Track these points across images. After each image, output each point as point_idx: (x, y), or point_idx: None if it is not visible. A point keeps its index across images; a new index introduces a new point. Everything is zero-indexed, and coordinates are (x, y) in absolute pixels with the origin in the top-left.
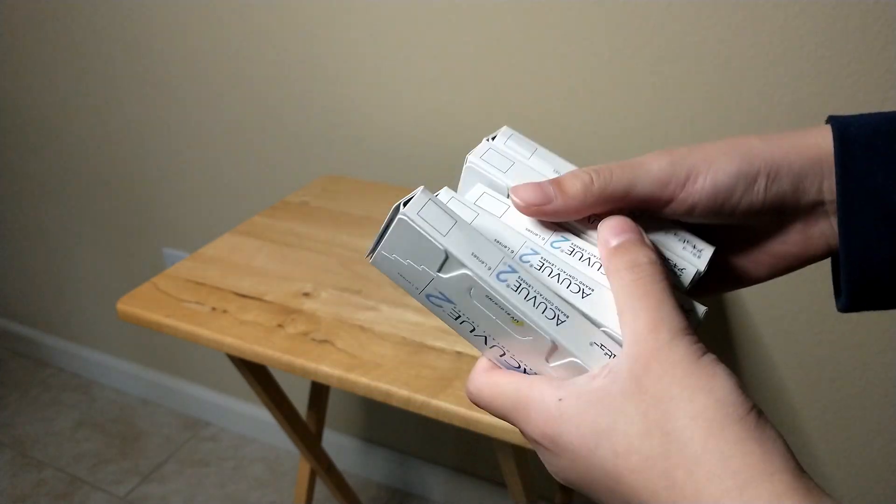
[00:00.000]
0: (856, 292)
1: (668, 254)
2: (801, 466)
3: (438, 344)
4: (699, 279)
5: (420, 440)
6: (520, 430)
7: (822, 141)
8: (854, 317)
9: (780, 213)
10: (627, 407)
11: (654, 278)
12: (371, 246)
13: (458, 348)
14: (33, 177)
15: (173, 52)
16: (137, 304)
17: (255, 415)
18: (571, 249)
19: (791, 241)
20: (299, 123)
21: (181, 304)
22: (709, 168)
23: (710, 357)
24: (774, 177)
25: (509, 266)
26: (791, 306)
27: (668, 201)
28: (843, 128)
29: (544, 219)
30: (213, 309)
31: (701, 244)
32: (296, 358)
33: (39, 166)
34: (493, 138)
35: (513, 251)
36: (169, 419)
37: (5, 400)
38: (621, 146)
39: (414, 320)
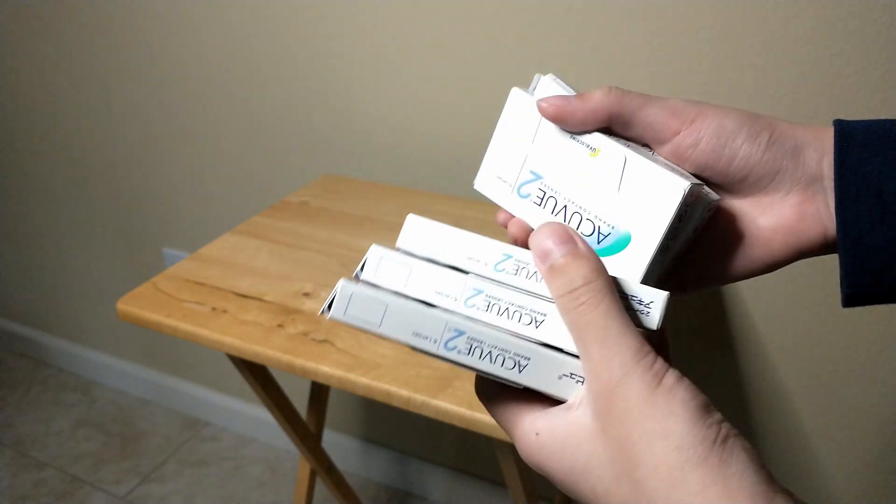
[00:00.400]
0: (852, 277)
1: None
2: (771, 487)
3: None
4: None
5: (420, 440)
6: None
7: (824, 130)
8: (854, 317)
9: (777, 174)
10: (596, 449)
11: (594, 300)
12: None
13: None
14: (33, 177)
15: (174, 53)
16: (137, 304)
17: (255, 415)
18: (516, 268)
19: (786, 214)
20: (299, 123)
21: (181, 304)
22: (716, 113)
23: (666, 383)
24: (777, 138)
25: (455, 330)
26: (791, 306)
27: (675, 132)
28: (843, 124)
29: (562, 121)
30: (213, 309)
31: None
32: (296, 358)
33: (40, 166)
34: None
35: (456, 299)
36: (169, 419)
37: (5, 400)
38: None
39: None
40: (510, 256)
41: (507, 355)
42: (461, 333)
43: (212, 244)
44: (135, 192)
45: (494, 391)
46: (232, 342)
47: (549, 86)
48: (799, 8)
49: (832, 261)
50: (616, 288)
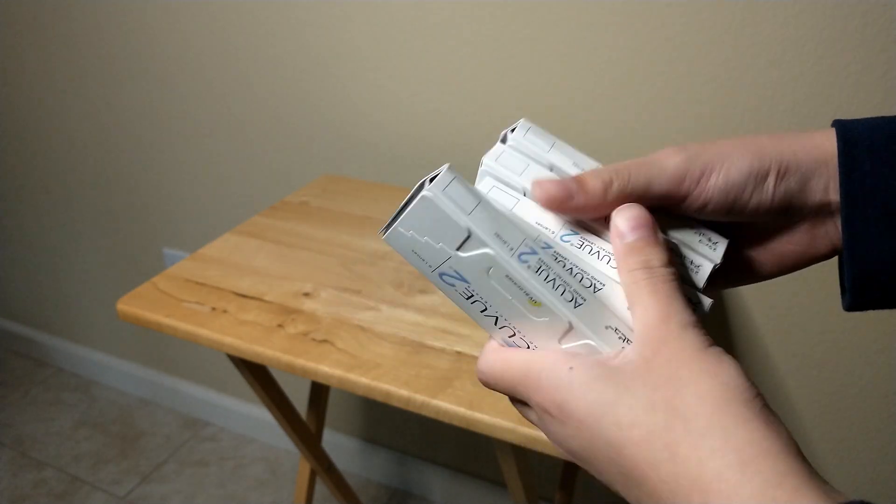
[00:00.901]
0: (859, 290)
1: (684, 249)
2: (802, 453)
3: (438, 344)
4: (714, 271)
5: (420, 440)
6: (527, 400)
7: (827, 142)
8: (854, 316)
9: (787, 211)
10: (635, 383)
11: (665, 279)
12: (387, 222)
13: (458, 348)
14: (33, 177)
15: (173, 52)
16: (137, 304)
17: (255, 415)
18: (581, 244)
19: (797, 240)
20: (299, 123)
21: (181, 304)
22: (722, 165)
23: (717, 348)
24: (783, 175)
25: (530, 248)
26: (791, 306)
27: (683, 198)
28: (846, 130)
29: (564, 214)
30: (213, 309)
31: (716, 237)
32: (296, 358)
33: (39, 166)
34: (512, 131)
35: (553, 231)
36: (169, 419)
37: (5, 400)
38: (622, 146)
39: (414, 320)
40: (576, 233)
41: (568, 288)
42: (535, 252)
43: (212, 244)
44: (135, 192)
45: (506, 356)
46: (232, 342)
47: (522, 144)
48: (799, 8)
49: (833, 260)
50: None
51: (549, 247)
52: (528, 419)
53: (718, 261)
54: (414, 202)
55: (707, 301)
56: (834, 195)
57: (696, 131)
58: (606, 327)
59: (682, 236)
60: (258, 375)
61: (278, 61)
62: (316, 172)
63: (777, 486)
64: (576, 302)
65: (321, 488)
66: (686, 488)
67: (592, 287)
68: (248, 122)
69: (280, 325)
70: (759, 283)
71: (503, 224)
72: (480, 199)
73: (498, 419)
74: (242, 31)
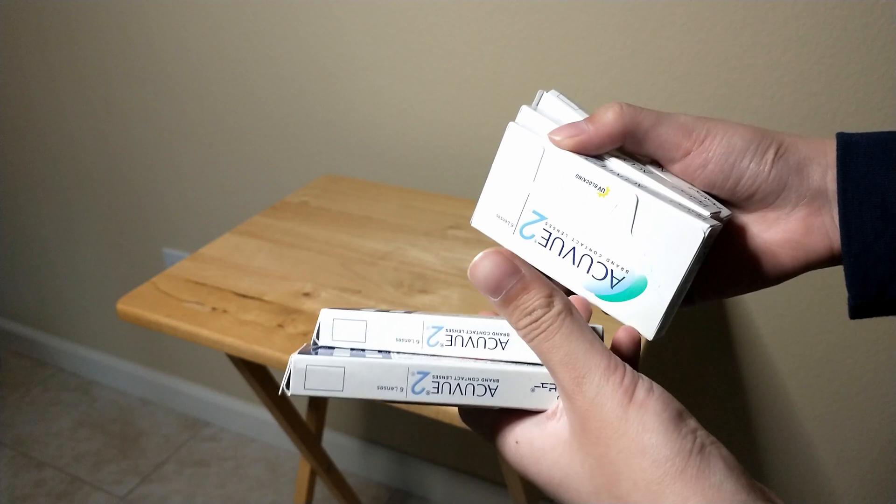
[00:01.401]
0: (858, 290)
1: (691, 191)
2: (751, 496)
3: None
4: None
5: (420, 440)
6: None
7: (828, 141)
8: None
9: (783, 190)
10: (574, 464)
11: (554, 326)
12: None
13: None
14: (33, 177)
15: (173, 52)
16: (137, 304)
17: (255, 415)
18: (450, 338)
19: (792, 228)
20: (299, 123)
21: (181, 304)
22: (726, 131)
23: (637, 398)
24: (783, 153)
25: (419, 373)
26: (791, 306)
27: (686, 152)
28: (846, 136)
29: (581, 150)
30: (213, 309)
31: (721, 205)
32: None
33: (40, 166)
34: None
35: (418, 340)
36: (169, 419)
37: (5, 400)
38: None
39: None
40: (440, 328)
41: (475, 383)
42: (425, 374)
43: (212, 244)
44: (135, 192)
45: (477, 414)
46: (232, 342)
47: (554, 104)
48: (799, 8)
49: (834, 270)
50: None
51: (439, 342)
52: None
53: (727, 211)
54: (504, 146)
55: (725, 211)
56: (832, 183)
57: None
58: (533, 389)
59: (687, 188)
60: (258, 375)
61: (278, 61)
62: (316, 172)
63: None
64: (490, 391)
65: (321, 488)
66: None
67: (499, 346)
68: (249, 122)
69: (280, 325)
70: None
71: (378, 374)
72: (344, 369)
73: None
74: (242, 31)
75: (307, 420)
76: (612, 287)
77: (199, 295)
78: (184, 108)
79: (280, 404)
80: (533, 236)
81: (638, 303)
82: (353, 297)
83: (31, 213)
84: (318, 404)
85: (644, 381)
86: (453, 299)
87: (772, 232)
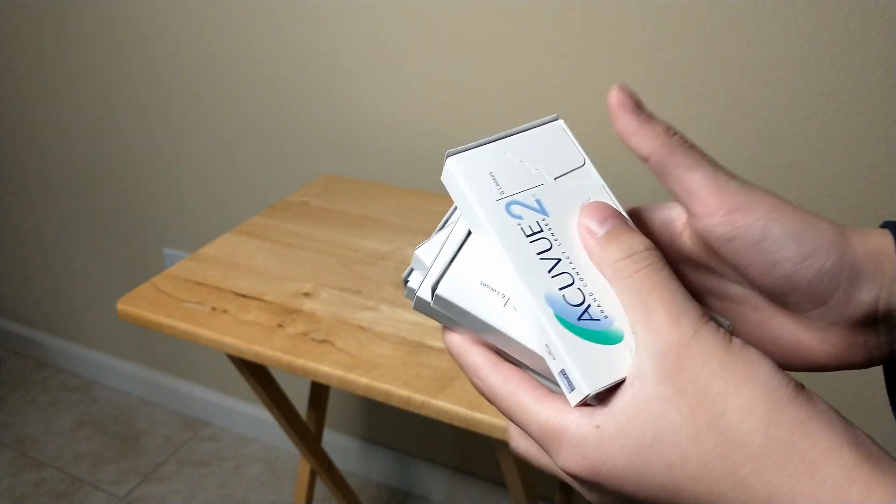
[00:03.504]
0: None
1: None
2: (858, 432)
3: (438, 344)
4: None
5: (420, 440)
6: (553, 460)
7: (884, 244)
8: None
9: (824, 306)
10: (669, 413)
11: (657, 266)
12: (462, 147)
13: None
14: (33, 177)
15: (173, 52)
16: (137, 304)
17: (255, 415)
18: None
19: (830, 341)
20: (300, 123)
21: (181, 305)
22: (764, 210)
23: (738, 342)
24: (833, 266)
25: None
26: None
27: (708, 213)
28: None
29: (621, 127)
30: (213, 309)
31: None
32: (296, 358)
33: (40, 166)
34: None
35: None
36: (169, 419)
37: (5, 400)
38: (624, 149)
39: (414, 320)
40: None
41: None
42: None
43: (212, 244)
44: (135, 192)
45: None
46: (232, 342)
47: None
48: (798, 8)
49: None
50: None
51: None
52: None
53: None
54: (538, 126)
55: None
56: (884, 307)
57: (695, 132)
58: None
59: None
60: (258, 375)
61: (278, 61)
62: (316, 172)
63: (850, 482)
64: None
65: (321, 488)
66: None
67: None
68: (249, 122)
69: (280, 325)
70: None
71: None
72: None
73: (498, 419)
74: (242, 31)
75: (307, 420)
76: (578, 319)
77: (199, 295)
78: (184, 108)
79: (280, 404)
80: (521, 218)
81: (598, 351)
82: (354, 298)
83: (31, 213)
84: (318, 404)
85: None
86: None
87: (805, 337)
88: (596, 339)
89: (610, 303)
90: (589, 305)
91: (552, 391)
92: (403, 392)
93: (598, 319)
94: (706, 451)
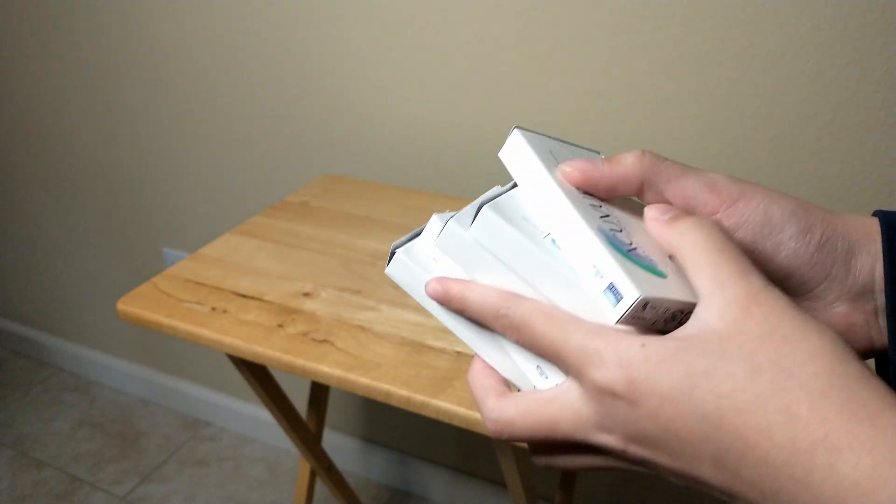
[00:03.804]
0: None
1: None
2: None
3: (438, 344)
4: None
5: (420, 440)
6: (579, 384)
7: (872, 225)
8: None
9: (825, 280)
10: (728, 348)
11: (726, 235)
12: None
13: (458, 348)
14: (33, 177)
15: (173, 52)
16: (137, 304)
17: (255, 415)
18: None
19: (831, 323)
20: (299, 123)
21: (181, 304)
22: (763, 197)
23: (802, 309)
24: (828, 238)
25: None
26: None
27: (712, 212)
28: (888, 216)
29: (594, 190)
30: (213, 309)
31: None
32: (296, 358)
33: (40, 166)
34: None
35: None
36: (169, 419)
37: (5, 400)
38: (624, 147)
39: (414, 320)
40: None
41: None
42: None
43: (212, 244)
44: (135, 192)
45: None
46: (232, 342)
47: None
48: (799, 8)
49: None
50: None
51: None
52: (566, 464)
53: None
54: (583, 148)
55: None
56: (880, 280)
57: (695, 132)
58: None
59: None
60: (258, 375)
61: (278, 61)
62: (316, 172)
63: None
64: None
65: (321, 488)
66: (806, 450)
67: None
68: (249, 122)
69: (280, 325)
70: None
71: None
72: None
73: None
74: (242, 31)
75: (307, 420)
76: (627, 251)
77: (199, 295)
78: (184, 107)
79: (280, 404)
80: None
81: (645, 274)
82: (354, 298)
83: (31, 213)
84: (318, 404)
85: None
86: None
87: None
88: (643, 267)
89: (656, 254)
90: (636, 248)
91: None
92: (403, 392)
93: (645, 258)
94: (763, 384)
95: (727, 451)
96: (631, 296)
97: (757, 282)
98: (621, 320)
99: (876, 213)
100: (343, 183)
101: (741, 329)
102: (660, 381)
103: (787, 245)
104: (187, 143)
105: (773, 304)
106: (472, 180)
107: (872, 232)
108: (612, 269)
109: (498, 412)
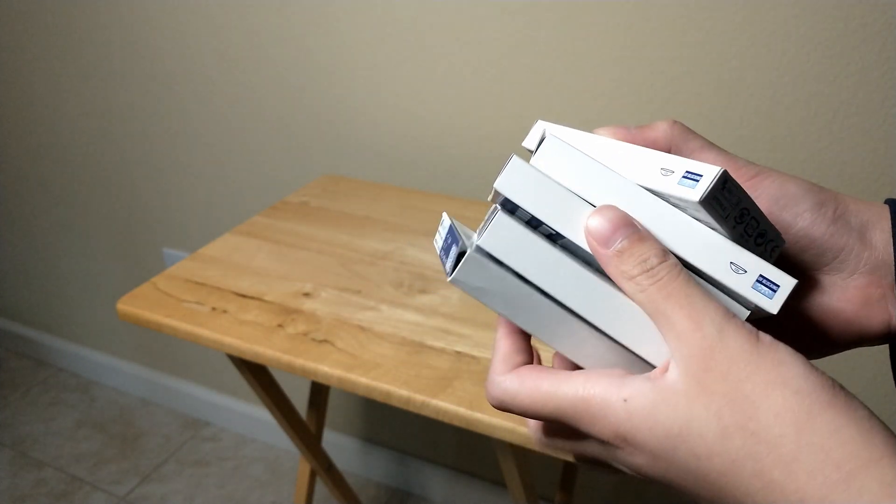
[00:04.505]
0: None
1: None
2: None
3: (438, 344)
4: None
5: (420, 440)
6: (581, 432)
7: (883, 208)
8: None
9: (842, 252)
10: (696, 408)
11: (673, 274)
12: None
13: (458, 348)
14: (33, 177)
15: (173, 53)
16: (137, 304)
17: (255, 415)
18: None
19: (849, 297)
20: (299, 123)
21: (181, 304)
22: (778, 175)
23: (766, 338)
24: (842, 212)
25: None
26: None
27: None
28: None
29: (619, 138)
30: (213, 309)
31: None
32: (296, 358)
33: (40, 166)
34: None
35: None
36: (169, 419)
37: (5, 400)
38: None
39: (414, 320)
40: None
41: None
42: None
43: (212, 244)
44: (135, 192)
45: (534, 383)
46: (232, 342)
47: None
48: (799, 8)
49: None
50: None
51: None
52: (569, 450)
53: (775, 309)
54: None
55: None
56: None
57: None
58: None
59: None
60: (258, 375)
61: (278, 61)
62: (316, 172)
63: (889, 498)
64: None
65: (321, 488)
66: None
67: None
68: (249, 122)
69: (280, 325)
70: None
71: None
72: None
73: (498, 419)
74: (242, 31)
75: (307, 420)
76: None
77: (199, 295)
78: (184, 108)
79: (280, 404)
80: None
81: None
82: (354, 298)
83: (31, 214)
84: (318, 404)
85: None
86: (453, 299)
87: (824, 298)
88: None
89: None
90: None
91: (566, 372)
92: (403, 392)
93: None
94: (734, 449)
95: (721, 498)
96: (789, 283)
97: (711, 329)
98: (704, 197)
99: (888, 202)
100: (343, 183)
101: (704, 388)
102: (646, 440)
103: (804, 216)
104: (187, 143)
105: (730, 355)
106: (473, 180)
107: (884, 212)
108: (755, 264)
109: (519, 383)
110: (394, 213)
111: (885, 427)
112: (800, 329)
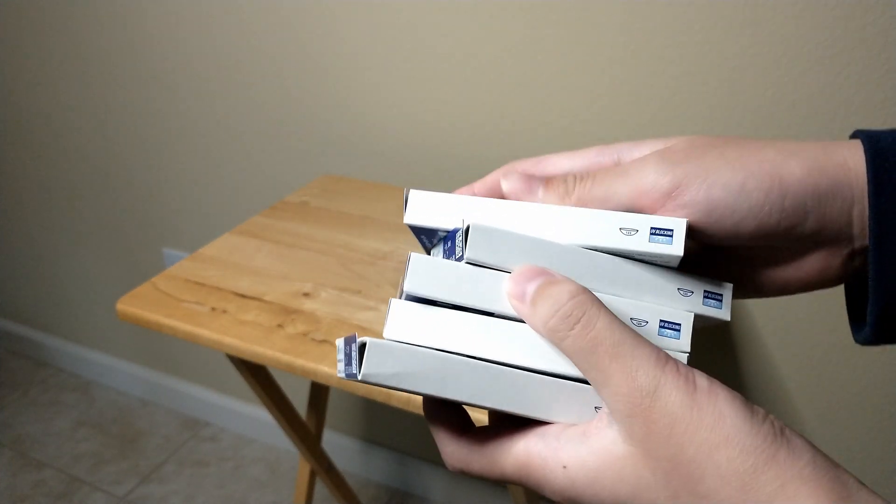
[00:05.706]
0: (882, 325)
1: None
2: (838, 471)
3: None
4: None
5: (420, 440)
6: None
7: (851, 159)
8: None
9: (796, 239)
10: (643, 474)
11: (590, 314)
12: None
13: None
14: (33, 177)
15: (173, 53)
16: (137, 304)
17: (255, 415)
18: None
19: (807, 267)
20: (299, 123)
21: (181, 305)
22: (704, 179)
23: (701, 385)
24: (792, 199)
25: None
26: (792, 307)
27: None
28: (873, 141)
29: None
30: (213, 309)
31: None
32: (296, 358)
33: (40, 166)
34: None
35: None
36: (169, 419)
37: (5, 400)
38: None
39: None
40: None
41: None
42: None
43: (212, 244)
44: (134, 192)
45: (479, 450)
46: (232, 342)
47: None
48: (799, 8)
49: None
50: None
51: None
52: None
53: (727, 317)
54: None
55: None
56: (858, 223)
57: (696, 132)
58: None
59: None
60: (258, 375)
61: (278, 61)
62: (316, 172)
63: None
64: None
65: (321, 488)
66: None
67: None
68: (249, 122)
69: (280, 325)
70: None
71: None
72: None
73: None
74: (242, 31)
75: (307, 420)
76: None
77: (199, 295)
78: (184, 108)
79: (280, 404)
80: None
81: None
82: (354, 298)
83: (31, 213)
84: (318, 404)
85: (698, 371)
86: None
87: (778, 269)
88: None
89: None
90: None
91: (507, 436)
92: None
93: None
94: None
95: None
96: (679, 225)
97: (646, 383)
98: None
99: (856, 135)
100: (343, 183)
101: (648, 453)
102: (592, 502)
103: (744, 223)
104: (187, 143)
105: (669, 416)
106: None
107: (849, 174)
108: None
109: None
110: (394, 213)
111: (830, 467)
112: (761, 282)
